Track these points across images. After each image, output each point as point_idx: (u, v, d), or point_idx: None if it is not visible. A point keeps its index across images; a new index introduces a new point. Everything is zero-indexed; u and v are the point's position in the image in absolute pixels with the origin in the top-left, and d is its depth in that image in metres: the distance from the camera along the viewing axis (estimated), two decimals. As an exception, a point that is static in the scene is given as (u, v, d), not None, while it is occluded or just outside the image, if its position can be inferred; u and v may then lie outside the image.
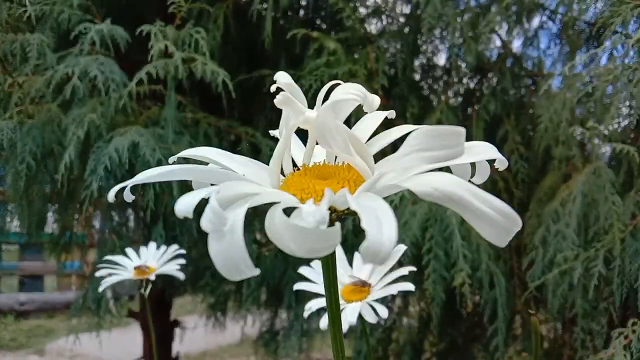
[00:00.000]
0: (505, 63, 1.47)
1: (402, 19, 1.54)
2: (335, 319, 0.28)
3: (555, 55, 1.50)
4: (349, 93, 0.26)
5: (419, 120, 1.37)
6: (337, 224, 0.20)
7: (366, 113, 0.31)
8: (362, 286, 0.67)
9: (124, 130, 1.11)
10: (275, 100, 0.26)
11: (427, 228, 1.18)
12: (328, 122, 0.26)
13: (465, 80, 1.58)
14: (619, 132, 1.20)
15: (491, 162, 0.27)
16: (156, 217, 1.21)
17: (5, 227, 1.60)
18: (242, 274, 0.20)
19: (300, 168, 0.29)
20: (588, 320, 1.06)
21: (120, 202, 1.47)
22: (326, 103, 0.26)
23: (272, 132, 0.34)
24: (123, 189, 0.27)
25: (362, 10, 1.55)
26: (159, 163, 1.05)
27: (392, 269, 0.68)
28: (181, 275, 0.92)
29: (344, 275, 0.70)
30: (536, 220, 1.21)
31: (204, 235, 1.33)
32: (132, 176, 0.27)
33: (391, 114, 0.32)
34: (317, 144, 0.29)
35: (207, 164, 0.30)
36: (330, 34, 1.38)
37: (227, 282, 1.51)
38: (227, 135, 1.33)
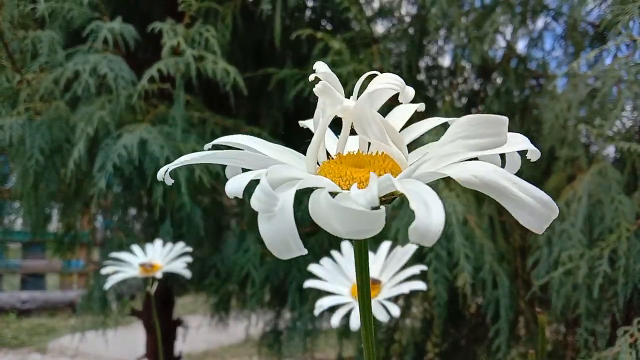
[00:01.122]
0: (510, 64, 1.47)
1: (407, 19, 1.54)
2: (367, 307, 0.28)
3: (559, 56, 1.50)
4: (388, 82, 0.27)
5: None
6: (382, 208, 0.21)
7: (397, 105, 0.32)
8: (373, 284, 0.68)
9: (132, 128, 1.12)
10: (314, 89, 0.27)
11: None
12: (365, 112, 0.26)
13: (469, 81, 1.58)
14: (623, 133, 1.20)
15: (522, 153, 0.28)
16: (164, 215, 1.22)
17: (10, 226, 1.60)
18: (292, 252, 0.21)
19: (334, 157, 0.30)
20: (591, 321, 1.06)
21: (125, 202, 1.47)
22: (365, 92, 0.26)
23: (301, 123, 0.35)
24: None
25: (368, 11, 1.55)
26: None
27: (402, 268, 0.68)
28: (188, 274, 0.92)
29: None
30: (540, 220, 1.21)
31: (209, 234, 1.33)
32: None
33: (421, 106, 0.33)
34: (350, 134, 0.30)
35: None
36: (336, 34, 1.38)
37: (230, 282, 1.51)
38: (233, 134, 1.33)
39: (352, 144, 0.31)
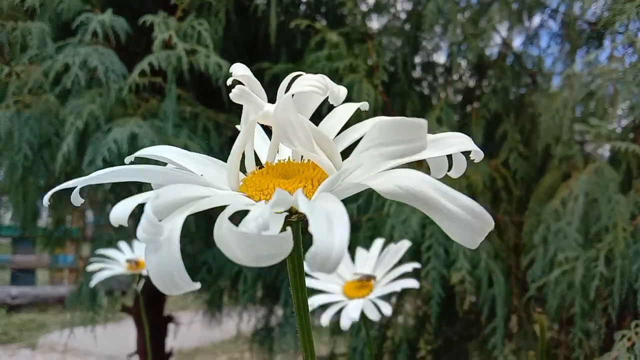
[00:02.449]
0: (506, 61, 1.47)
1: (403, 16, 1.53)
2: (305, 325, 0.27)
3: (555, 54, 1.50)
4: (309, 85, 0.24)
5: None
6: (288, 230, 0.19)
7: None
8: (367, 280, 0.67)
9: (122, 122, 1.10)
10: (231, 95, 0.25)
11: (427, 225, 1.18)
12: (289, 117, 0.24)
13: (465, 78, 1.58)
14: (619, 132, 1.20)
15: (467, 154, 0.25)
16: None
17: (-1, 220, 1.58)
18: (179, 288, 0.19)
19: (264, 166, 0.27)
20: (586, 320, 1.06)
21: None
22: (285, 95, 0.24)
23: (238, 127, 0.33)
24: (70, 190, 0.25)
25: (363, 7, 1.54)
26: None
27: (395, 266, 0.68)
28: (174, 270, 0.90)
29: (347, 271, 0.69)
30: (535, 219, 1.21)
31: (201, 230, 1.32)
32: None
33: (364, 105, 0.30)
34: None
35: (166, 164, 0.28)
36: (331, 30, 1.37)
37: (222, 279, 1.50)
38: (225, 130, 1.32)
39: (288, 151, 0.29)
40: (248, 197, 0.24)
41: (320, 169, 0.25)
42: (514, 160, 1.31)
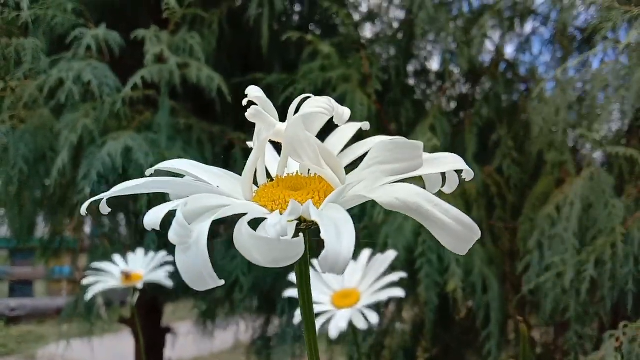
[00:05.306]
0: (498, 68, 1.48)
1: (395, 25, 1.54)
2: (311, 330, 0.28)
3: (547, 61, 1.51)
4: (317, 106, 0.27)
5: (412, 125, 1.37)
6: (301, 235, 0.21)
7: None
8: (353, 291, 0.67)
9: (116, 135, 1.11)
10: (246, 114, 0.27)
11: (420, 233, 1.18)
12: (298, 134, 0.26)
13: (458, 86, 1.58)
14: (611, 137, 1.21)
15: (459, 172, 0.28)
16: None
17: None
18: (206, 284, 0.21)
19: (274, 179, 0.30)
20: (580, 324, 1.07)
21: (112, 208, 1.46)
22: (295, 116, 0.26)
23: (249, 144, 0.35)
24: (99, 201, 0.27)
25: (356, 16, 1.55)
26: (152, 167, 1.05)
27: (382, 275, 0.69)
28: (169, 283, 0.91)
29: (335, 282, 0.70)
30: (529, 225, 1.22)
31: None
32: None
33: (365, 125, 0.33)
34: None
35: (184, 175, 0.31)
36: (324, 39, 1.38)
37: (219, 289, 1.50)
38: (220, 141, 1.33)
39: (296, 165, 0.32)
40: (261, 206, 0.26)
41: (325, 182, 0.28)
42: (507, 166, 1.32)
